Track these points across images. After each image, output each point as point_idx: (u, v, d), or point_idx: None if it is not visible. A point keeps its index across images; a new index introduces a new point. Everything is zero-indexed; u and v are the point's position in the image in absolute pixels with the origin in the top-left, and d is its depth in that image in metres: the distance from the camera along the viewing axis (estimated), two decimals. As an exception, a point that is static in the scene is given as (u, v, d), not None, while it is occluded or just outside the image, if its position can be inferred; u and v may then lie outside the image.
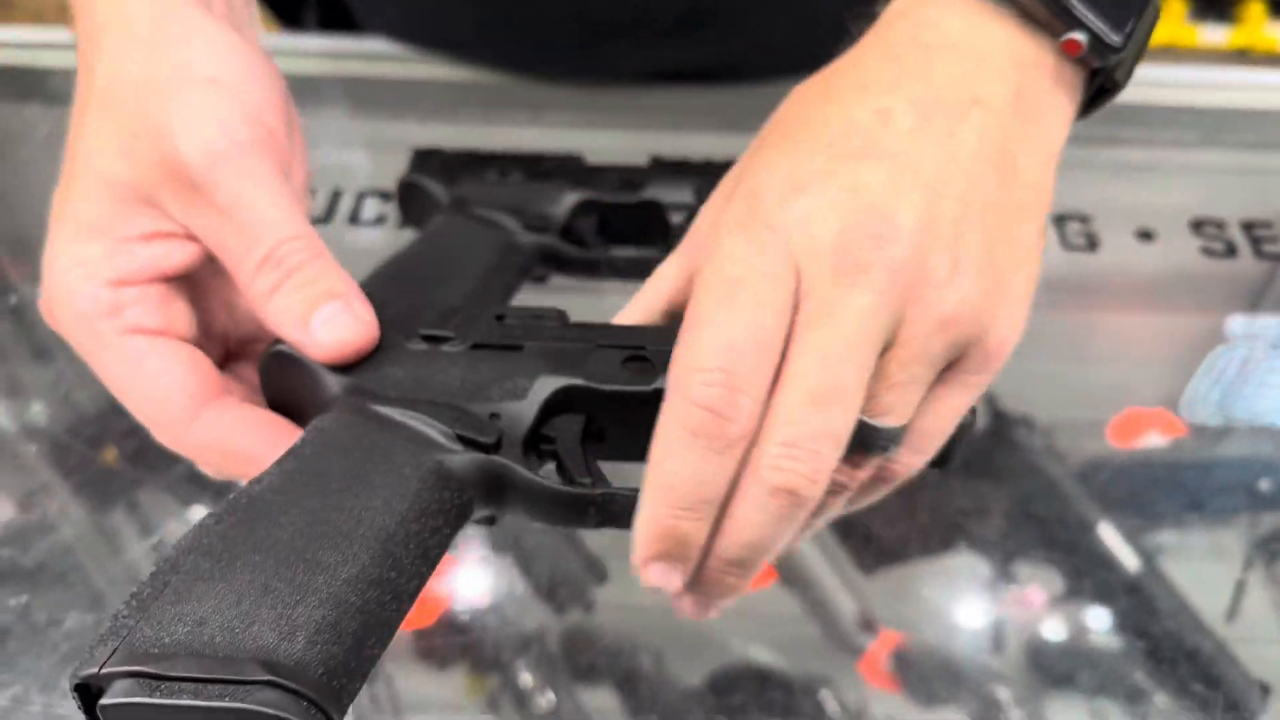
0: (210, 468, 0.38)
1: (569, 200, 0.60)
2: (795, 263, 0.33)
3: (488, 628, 0.55)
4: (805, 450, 0.32)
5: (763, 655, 0.44)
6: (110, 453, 0.63)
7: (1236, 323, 0.71)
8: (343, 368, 0.37)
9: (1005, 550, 0.59)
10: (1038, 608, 0.58)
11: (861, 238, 0.32)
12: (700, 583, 0.35)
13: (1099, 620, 0.57)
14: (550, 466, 0.38)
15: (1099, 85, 0.37)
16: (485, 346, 0.39)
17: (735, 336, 0.32)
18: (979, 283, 0.33)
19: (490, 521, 0.39)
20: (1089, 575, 0.58)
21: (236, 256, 0.37)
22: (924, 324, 0.33)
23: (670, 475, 0.33)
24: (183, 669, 0.29)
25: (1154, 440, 0.66)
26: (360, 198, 0.80)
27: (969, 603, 0.59)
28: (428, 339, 0.39)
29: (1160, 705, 0.51)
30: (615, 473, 0.38)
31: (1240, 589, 0.58)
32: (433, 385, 0.37)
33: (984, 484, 0.62)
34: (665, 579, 0.35)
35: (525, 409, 0.37)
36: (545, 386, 0.37)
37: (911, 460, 0.37)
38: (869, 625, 0.58)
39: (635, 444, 0.38)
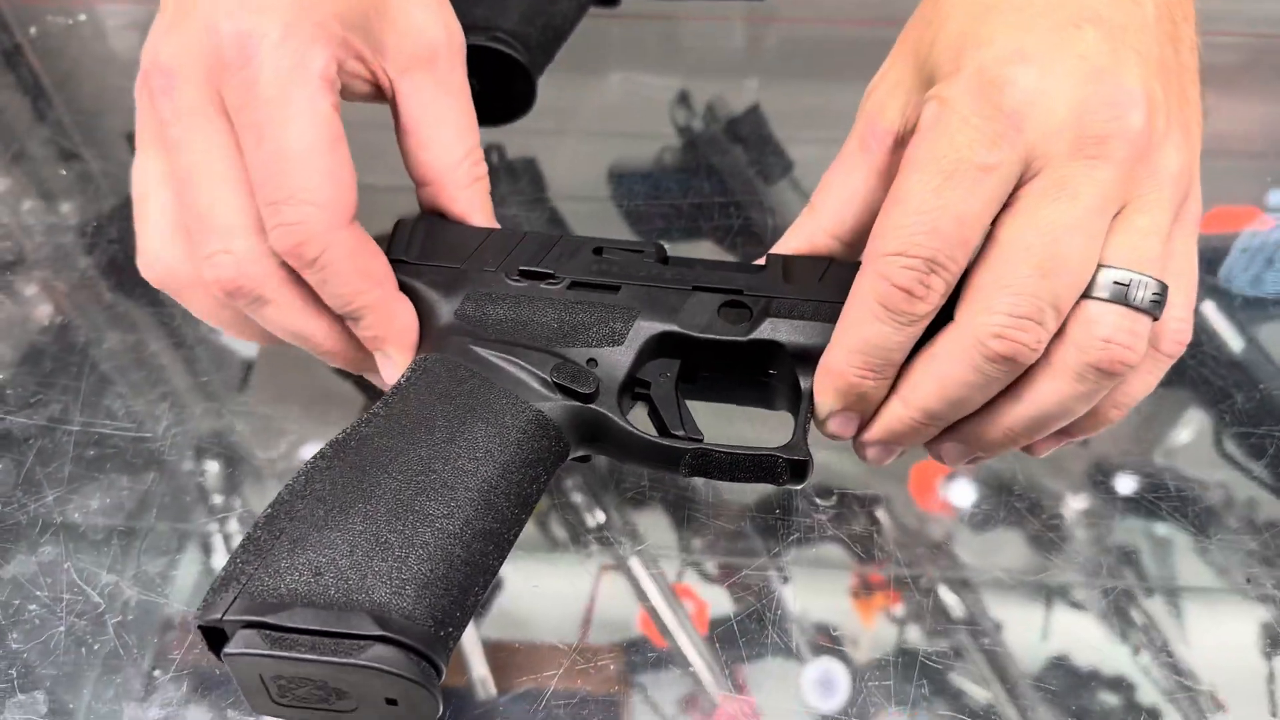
0: (338, 281, 0.37)
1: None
2: (1027, 146, 0.33)
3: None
4: (1032, 321, 0.33)
5: (816, 476, 0.43)
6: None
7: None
8: (448, 297, 0.39)
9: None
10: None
11: (1099, 109, 0.33)
12: (889, 431, 0.37)
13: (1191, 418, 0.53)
14: (644, 410, 0.39)
15: None
16: (583, 285, 0.39)
17: (941, 225, 0.33)
18: (1185, 137, 0.35)
19: (585, 459, 0.40)
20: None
21: (448, 134, 0.40)
22: (1158, 178, 0.34)
23: (857, 340, 0.35)
24: (300, 620, 0.30)
25: (1245, 230, 0.62)
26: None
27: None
28: (526, 275, 0.39)
29: (1232, 525, 0.49)
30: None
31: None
32: (531, 327, 0.38)
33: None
34: (844, 429, 0.37)
35: (622, 355, 0.38)
36: (642, 332, 0.38)
37: (1180, 326, 0.36)
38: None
39: (726, 386, 0.40)
